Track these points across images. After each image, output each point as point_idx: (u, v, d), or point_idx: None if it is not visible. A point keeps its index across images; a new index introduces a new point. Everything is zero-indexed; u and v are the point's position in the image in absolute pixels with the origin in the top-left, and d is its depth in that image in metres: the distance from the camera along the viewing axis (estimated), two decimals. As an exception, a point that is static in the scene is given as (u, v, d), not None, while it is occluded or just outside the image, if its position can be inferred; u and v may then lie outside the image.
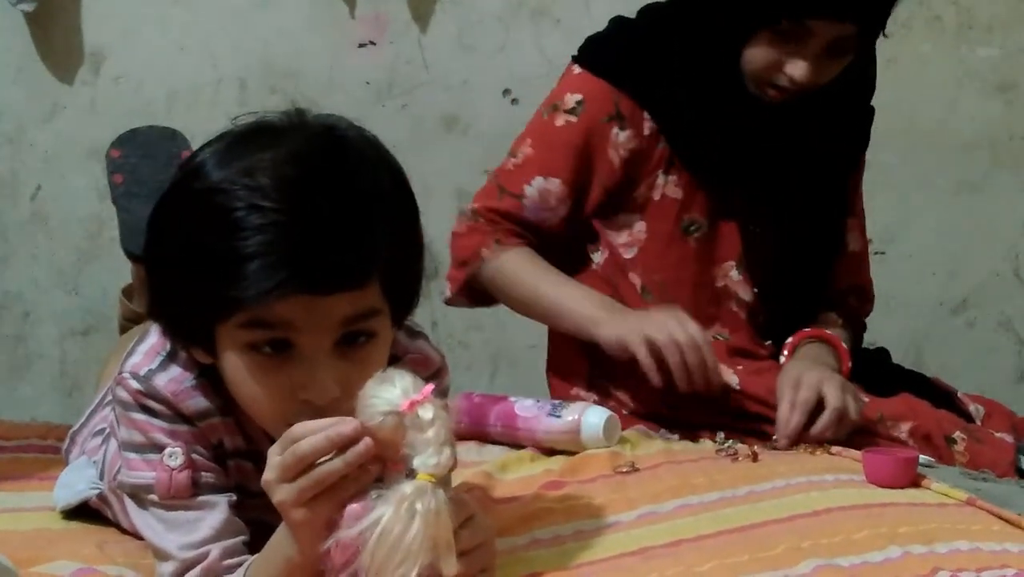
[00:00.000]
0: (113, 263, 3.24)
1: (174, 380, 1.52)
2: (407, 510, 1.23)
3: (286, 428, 1.39)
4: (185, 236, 1.40)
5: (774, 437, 2.02)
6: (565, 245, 2.22)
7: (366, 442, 1.29)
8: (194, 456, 1.52)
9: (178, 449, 1.51)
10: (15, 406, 3.10)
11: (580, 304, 2.12)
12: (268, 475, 1.34)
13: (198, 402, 1.52)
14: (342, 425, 1.31)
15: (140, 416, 1.52)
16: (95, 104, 3.17)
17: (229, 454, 1.56)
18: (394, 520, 1.23)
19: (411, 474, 1.26)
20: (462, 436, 1.89)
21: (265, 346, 1.41)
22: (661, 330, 2.01)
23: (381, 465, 1.31)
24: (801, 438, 2.00)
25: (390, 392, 1.28)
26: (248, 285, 1.35)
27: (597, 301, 2.13)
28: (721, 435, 2.04)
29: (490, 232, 2.18)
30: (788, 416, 2.00)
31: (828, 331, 2.20)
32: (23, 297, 3.23)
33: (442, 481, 1.26)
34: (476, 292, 2.25)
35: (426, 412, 1.26)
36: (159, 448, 1.51)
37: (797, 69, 2.03)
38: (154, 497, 1.51)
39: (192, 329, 1.46)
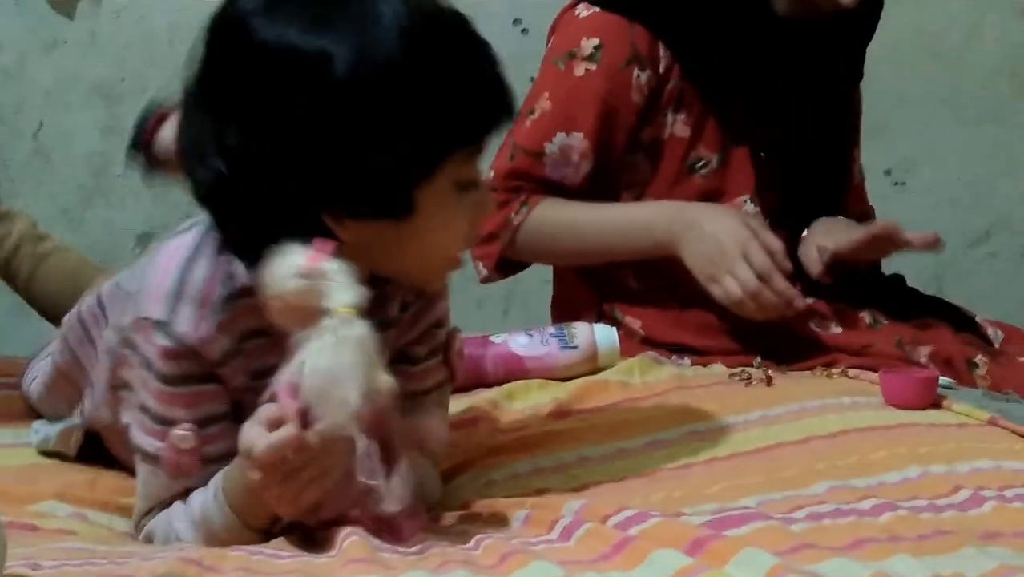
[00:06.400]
0: (117, 200, 3.23)
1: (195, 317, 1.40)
2: (332, 341, 1.26)
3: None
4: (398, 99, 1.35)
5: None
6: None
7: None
8: (204, 431, 1.42)
9: (189, 434, 1.41)
10: (22, 344, 3.06)
11: (646, 218, 2.02)
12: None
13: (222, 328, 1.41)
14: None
15: (161, 386, 1.41)
16: (96, 37, 3.13)
17: (247, 336, 1.43)
18: (320, 352, 1.26)
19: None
20: (460, 389, 1.81)
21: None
22: (733, 275, 1.90)
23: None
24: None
25: (289, 259, 1.30)
26: (478, 121, 1.40)
27: (667, 210, 2.02)
28: (758, 359, 1.97)
29: (511, 199, 2.07)
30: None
31: None
32: (27, 235, 3.19)
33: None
34: (509, 263, 2.14)
35: (330, 264, 1.29)
36: (171, 423, 1.42)
37: None
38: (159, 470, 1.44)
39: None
